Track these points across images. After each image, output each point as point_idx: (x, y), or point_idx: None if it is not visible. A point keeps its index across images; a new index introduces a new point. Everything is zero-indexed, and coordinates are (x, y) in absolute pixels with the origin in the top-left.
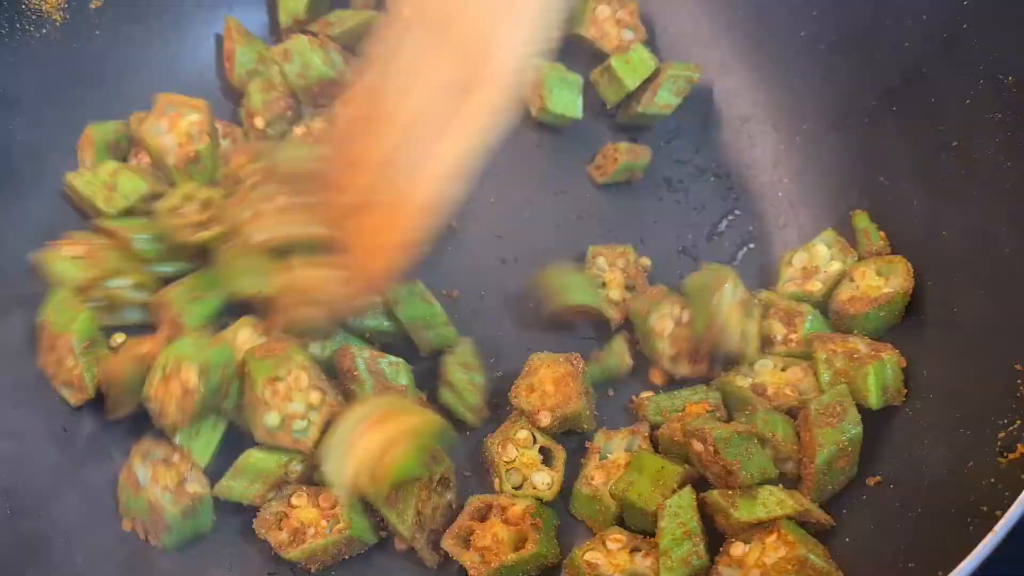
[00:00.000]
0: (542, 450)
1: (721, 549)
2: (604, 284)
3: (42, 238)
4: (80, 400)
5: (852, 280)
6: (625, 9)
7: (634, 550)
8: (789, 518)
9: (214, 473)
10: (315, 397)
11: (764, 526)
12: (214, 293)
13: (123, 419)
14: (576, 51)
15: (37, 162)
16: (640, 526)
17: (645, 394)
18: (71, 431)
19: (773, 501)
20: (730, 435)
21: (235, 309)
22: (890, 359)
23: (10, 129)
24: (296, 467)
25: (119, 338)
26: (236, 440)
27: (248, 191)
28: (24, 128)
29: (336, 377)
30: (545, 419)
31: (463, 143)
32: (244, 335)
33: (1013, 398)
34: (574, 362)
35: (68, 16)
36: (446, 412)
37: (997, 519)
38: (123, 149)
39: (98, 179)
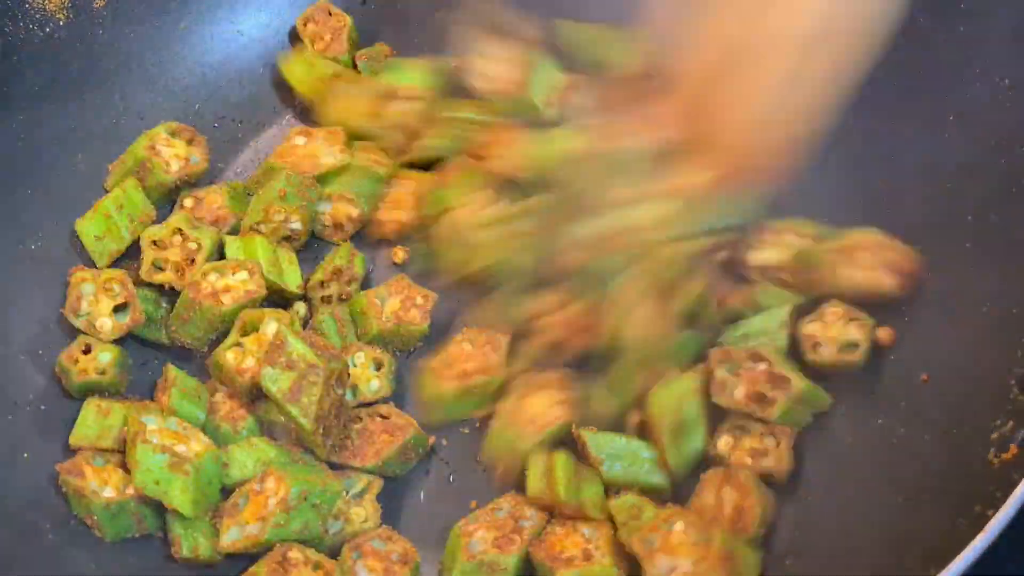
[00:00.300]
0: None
1: None
2: None
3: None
4: None
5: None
6: None
7: None
8: None
9: None
10: None
11: None
12: None
13: None
14: None
15: (37, 162)
16: None
17: None
18: None
19: None
20: None
21: None
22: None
23: (12, 128)
24: None
25: None
26: None
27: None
28: (25, 128)
29: None
30: None
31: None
32: None
33: (1007, 399)
34: None
35: (72, 16)
36: None
37: (989, 519)
38: None
39: None
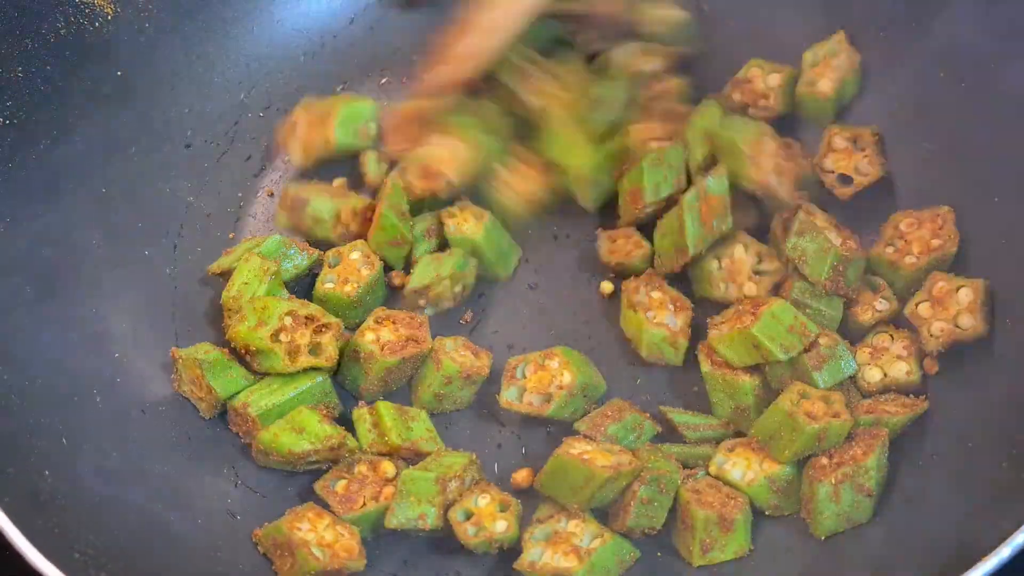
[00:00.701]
0: None
1: None
2: None
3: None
4: None
5: None
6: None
7: None
8: None
9: None
10: None
11: None
12: None
13: None
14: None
15: (92, 156)
16: None
17: None
18: None
19: None
20: None
21: None
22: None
23: (68, 123)
24: None
25: None
26: None
27: None
28: (78, 122)
29: None
30: None
31: None
32: None
33: None
34: None
35: (119, 10)
36: None
37: None
38: None
39: None
